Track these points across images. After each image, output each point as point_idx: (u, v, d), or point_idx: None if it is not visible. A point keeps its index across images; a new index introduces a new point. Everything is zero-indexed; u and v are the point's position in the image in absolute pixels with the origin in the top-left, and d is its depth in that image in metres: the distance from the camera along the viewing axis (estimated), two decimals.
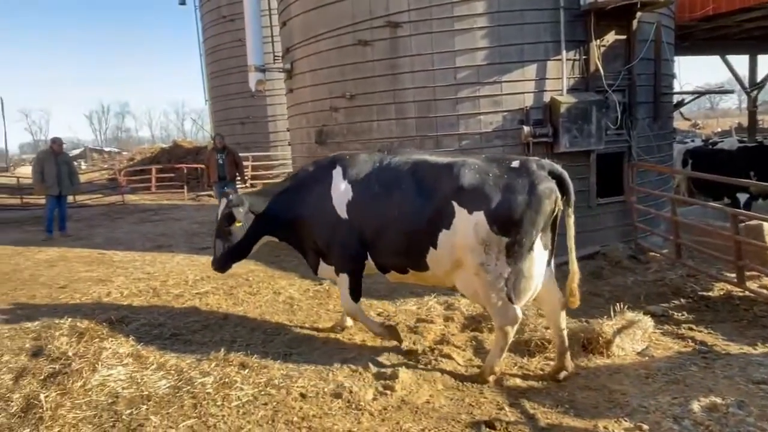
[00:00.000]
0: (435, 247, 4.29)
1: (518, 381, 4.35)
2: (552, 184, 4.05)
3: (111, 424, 3.69)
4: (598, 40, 7.48)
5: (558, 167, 4.17)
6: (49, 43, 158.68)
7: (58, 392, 4.02)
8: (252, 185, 20.18)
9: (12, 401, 4.02)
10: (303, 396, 4.04)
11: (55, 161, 10.71)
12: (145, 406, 3.90)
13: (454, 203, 4.14)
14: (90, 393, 4.06)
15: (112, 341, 4.90)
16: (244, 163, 19.52)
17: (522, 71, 7.35)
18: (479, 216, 4.02)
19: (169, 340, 5.19)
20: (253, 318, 5.86)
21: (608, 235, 7.90)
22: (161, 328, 5.50)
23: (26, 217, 14.66)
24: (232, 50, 19.21)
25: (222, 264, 5.23)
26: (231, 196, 5.08)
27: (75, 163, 11.99)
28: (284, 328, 5.56)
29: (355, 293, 4.98)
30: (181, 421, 3.71)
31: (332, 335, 5.36)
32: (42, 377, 4.32)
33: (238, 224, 5.02)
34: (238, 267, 7.97)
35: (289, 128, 11.03)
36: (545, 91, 7.42)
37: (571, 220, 4.17)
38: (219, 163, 11.92)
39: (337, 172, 4.81)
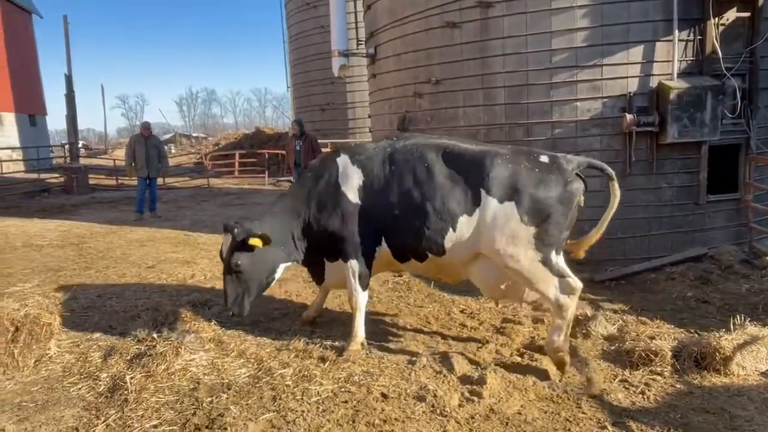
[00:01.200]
0: (454, 230, 4.27)
1: (620, 396, 3.92)
2: (580, 184, 4.23)
3: (192, 411, 3.64)
4: (717, 18, 6.69)
5: (583, 159, 4.41)
6: (143, 32, 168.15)
7: (143, 374, 4.03)
8: None
9: (100, 380, 4.08)
10: (384, 396, 3.82)
11: (145, 145, 11.14)
12: (225, 395, 3.82)
13: (482, 191, 4.17)
14: (173, 377, 4.04)
15: (195, 325, 4.90)
16: (323, 150, 19.82)
17: (626, 53, 6.71)
18: (509, 206, 4.09)
19: (249, 327, 5.13)
20: (332, 308, 5.72)
21: (718, 236, 7.15)
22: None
23: (121, 197, 15.49)
24: (314, 37, 19.34)
25: (242, 308, 4.49)
26: (236, 228, 4.41)
27: (165, 147, 12.47)
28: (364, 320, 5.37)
29: (364, 280, 4.62)
30: (261, 414, 3.59)
31: (413, 331, 5.12)
32: (128, 357, 4.36)
33: (253, 254, 4.39)
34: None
35: (370, 114, 10.84)
36: (652, 75, 6.74)
37: (617, 193, 4.39)
38: (296, 149, 11.98)
39: (343, 160, 4.63)
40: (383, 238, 4.54)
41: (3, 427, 3.47)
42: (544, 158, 4.25)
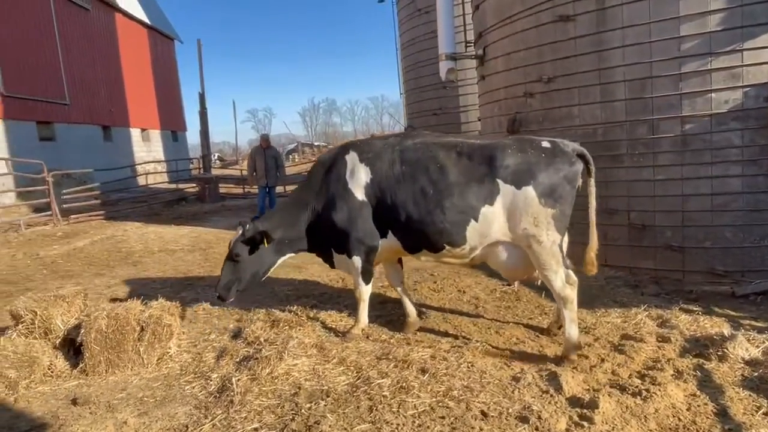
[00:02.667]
0: (476, 221, 4.48)
1: None
2: (581, 165, 4.47)
3: (291, 416, 3.69)
4: None
5: (579, 146, 4.54)
6: (269, 48, 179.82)
7: (249, 377, 4.18)
8: None
9: (211, 380, 4.30)
10: (484, 414, 3.61)
11: (264, 155, 11.79)
12: (323, 402, 3.84)
13: (499, 181, 4.40)
14: (276, 381, 4.15)
15: (299, 330, 5.02)
16: None
17: None
18: (528, 190, 4.32)
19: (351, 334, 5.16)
20: (436, 317, 5.58)
21: None
22: (346, 321, 5.53)
23: (246, 205, 16.60)
24: (425, 42, 19.31)
25: (228, 294, 5.05)
26: (247, 225, 5.01)
27: (282, 157, 13.13)
28: (467, 331, 5.18)
29: (367, 275, 5.03)
30: (356, 424, 3.55)
31: (520, 345, 4.83)
32: (238, 359, 4.57)
33: (260, 249, 4.98)
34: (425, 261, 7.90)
35: (480, 117, 10.57)
36: None
37: (594, 191, 4.55)
38: None
39: (351, 157, 4.88)
40: (390, 232, 4.81)
41: (125, 419, 3.76)
42: (545, 144, 4.48)
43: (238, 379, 4.14)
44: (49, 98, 18.82)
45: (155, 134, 28.22)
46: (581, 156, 4.49)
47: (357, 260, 4.93)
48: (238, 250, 5.00)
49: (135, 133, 25.94)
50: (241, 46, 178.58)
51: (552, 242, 4.33)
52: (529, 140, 4.58)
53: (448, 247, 4.61)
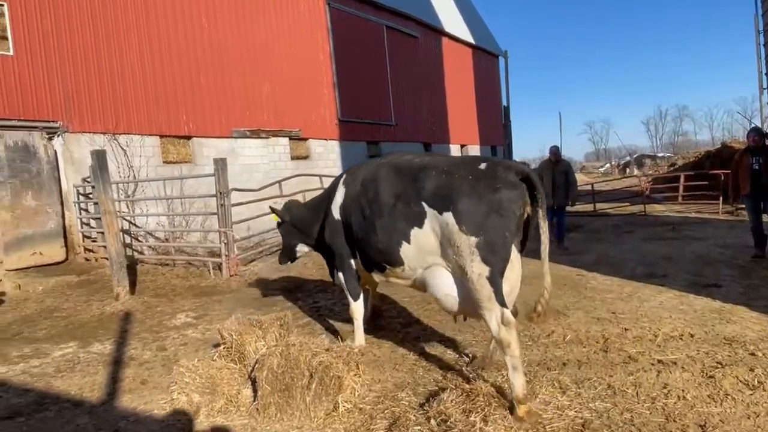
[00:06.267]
0: (408, 243, 4.27)
1: None
2: (517, 189, 3.84)
3: None
4: None
5: (524, 167, 4.01)
6: (606, 55, 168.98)
7: None
8: None
9: None
10: None
11: (552, 171, 10.28)
12: None
13: (424, 204, 4.13)
14: None
15: (493, 412, 3.64)
16: None
17: None
18: (449, 216, 3.93)
19: None
20: None
21: None
22: (567, 409, 3.85)
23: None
24: None
25: (282, 260, 6.27)
26: (272, 206, 6.10)
27: (575, 174, 11.25)
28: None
29: (353, 291, 5.18)
30: None
31: None
32: None
33: (278, 224, 6.00)
34: (745, 326, 5.35)
35: None
36: None
37: (544, 225, 3.85)
38: (753, 168, 8.91)
39: (340, 179, 5.09)
40: (356, 251, 4.93)
41: None
42: (482, 165, 3.99)
43: None
44: (377, 120, 21.01)
45: (474, 149, 28.95)
46: (525, 180, 3.82)
47: (340, 276, 5.24)
48: (277, 227, 6.13)
49: (454, 149, 27.06)
50: (576, 56, 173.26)
51: (478, 275, 3.79)
52: (469, 161, 4.14)
53: (389, 267, 4.55)
